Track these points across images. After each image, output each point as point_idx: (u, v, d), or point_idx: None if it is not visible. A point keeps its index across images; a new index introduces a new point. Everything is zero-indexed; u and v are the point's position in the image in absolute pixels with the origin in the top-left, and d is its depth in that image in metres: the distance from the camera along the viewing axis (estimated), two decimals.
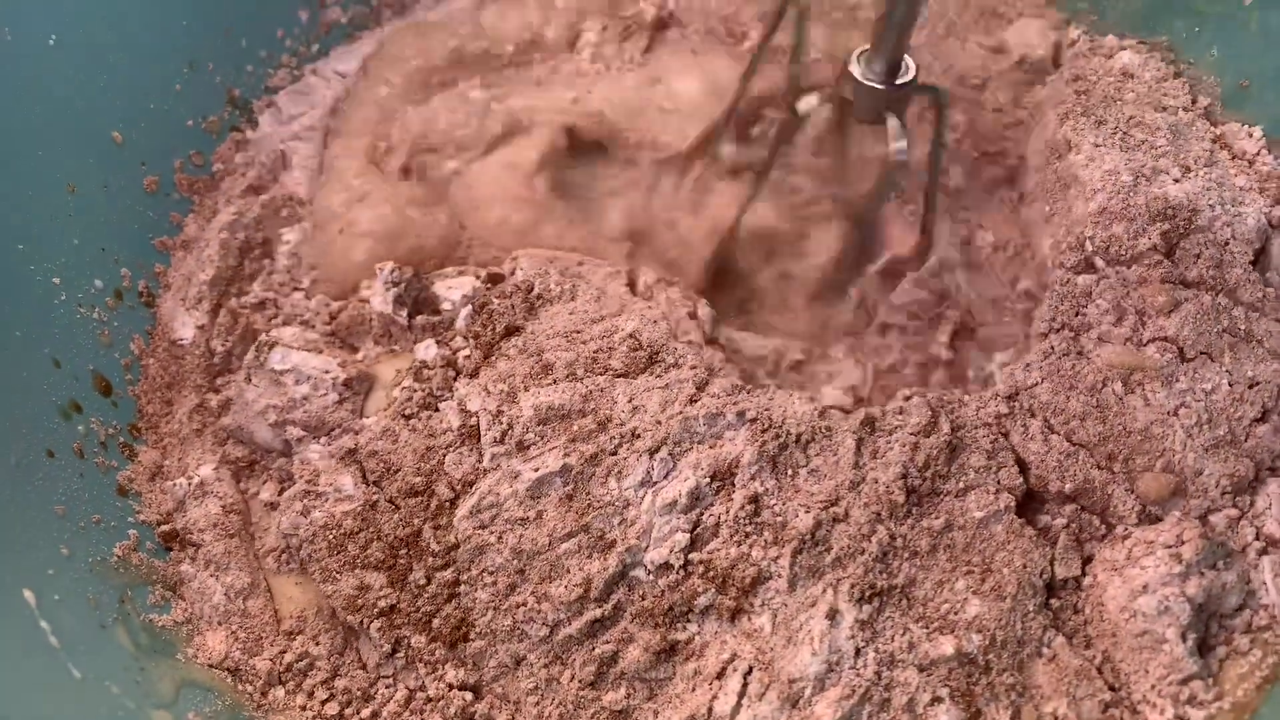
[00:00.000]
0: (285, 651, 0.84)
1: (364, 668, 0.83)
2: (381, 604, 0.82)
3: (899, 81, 0.88)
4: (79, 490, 0.86)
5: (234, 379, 0.97)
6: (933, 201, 0.99)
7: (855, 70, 0.89)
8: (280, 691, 0.83)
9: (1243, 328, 0.87)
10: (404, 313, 0.94)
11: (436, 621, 0.82)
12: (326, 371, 0.91)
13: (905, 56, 0.88)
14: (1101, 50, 1.08)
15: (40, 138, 0.93)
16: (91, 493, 0.87)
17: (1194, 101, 1.03)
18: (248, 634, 0.85)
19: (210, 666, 0.84)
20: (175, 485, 0.91)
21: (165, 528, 0.90)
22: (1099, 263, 0.92)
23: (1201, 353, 0.87)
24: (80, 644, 0.77)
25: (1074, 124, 0.99)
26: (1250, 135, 0.99)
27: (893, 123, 0.90)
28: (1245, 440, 0.84)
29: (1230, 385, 0.85)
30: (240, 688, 0.83)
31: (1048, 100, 1.07)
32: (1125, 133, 0.97)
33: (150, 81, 1.04)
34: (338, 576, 0.83)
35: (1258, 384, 0.86)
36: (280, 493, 0.90)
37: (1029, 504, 0.86)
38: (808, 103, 0.96)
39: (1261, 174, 0.97)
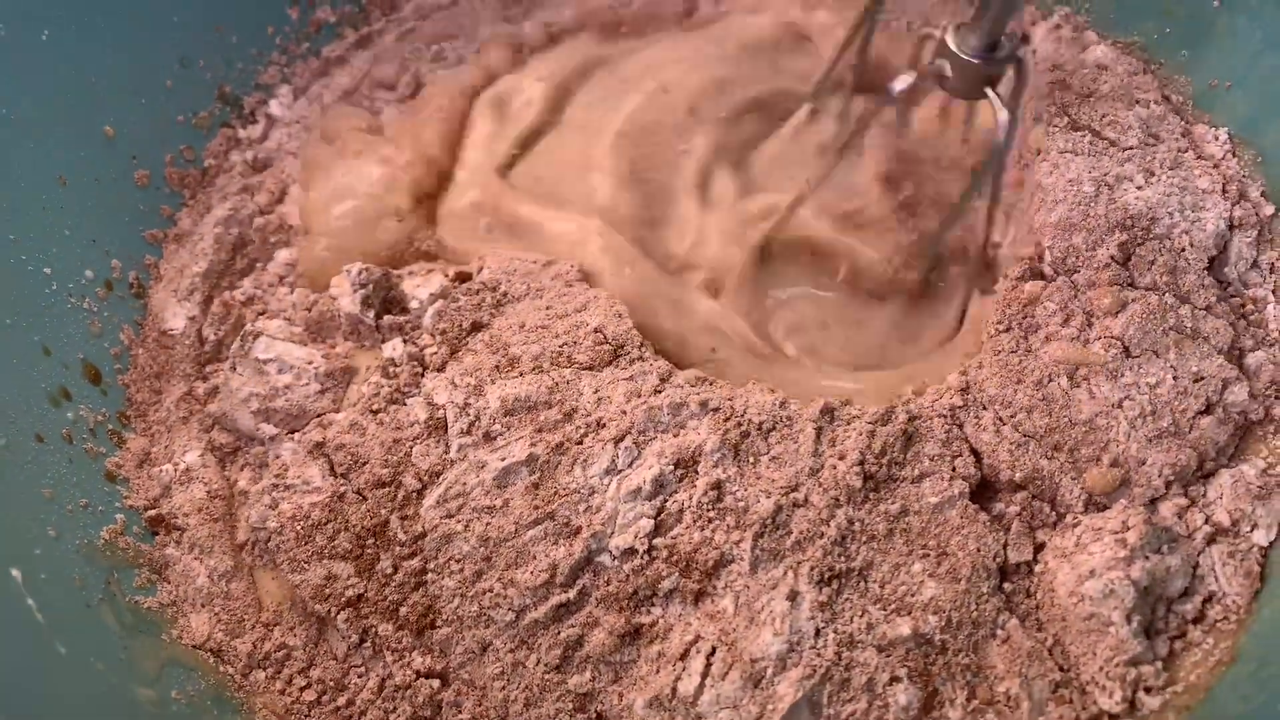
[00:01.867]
0: (264, 639, 0.85)
1: (335, 658, 0.84)
2: (349, 593, 0.83)
3: (998, 56, 0.86)
4: (67, 475, 0.88)
5: (222, 367, 0.98)
6: (999, 184, 0.97)
7: (951, 43, 0.86)
8: (261, 675, 0.84)
9: (1189, 325, 0.90)
10: (371, 313, 0.95)
11: (404, 609, 0.83)
12: (309, 362, 0.93)
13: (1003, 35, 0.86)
14: (1078, 42, 1.11)
15: (33, 131, 0.96)
16: (80, 477, 0.89)
17: (1165, 99, 1.05)
18: (230, 616, 0.87)
19: (194, 648, 0.85)
20: (162, 471, 0.92)
21: (151, 513, 0.91)
22: (1048, 271, 0.95)
23: (1147, 350, 0.89)
24: (66, 621, 0.78)
25: (1046, 125, 1.01)
26: (1216, 139, 1.02)
27: (993, 98, 0.87)
28: (1189, 431, 0.87)
29: (1175, 379, 0.88)
30: (223, 669, 0.84)
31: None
32: (1096, 133, 1.00)
33: (142, 77, 1.07)
34: (305, 566, 0.84)
35: (1203, 378, 0.88)
36: (255, 482, 0.90)
37: (982, 492, 0.89)
38: (904, 80, 0.93)
39: (1225, 176, 0.99)
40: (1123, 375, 0.88)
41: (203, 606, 0.87)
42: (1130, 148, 0.99)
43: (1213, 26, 1.03)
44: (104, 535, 0.87)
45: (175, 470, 0.92)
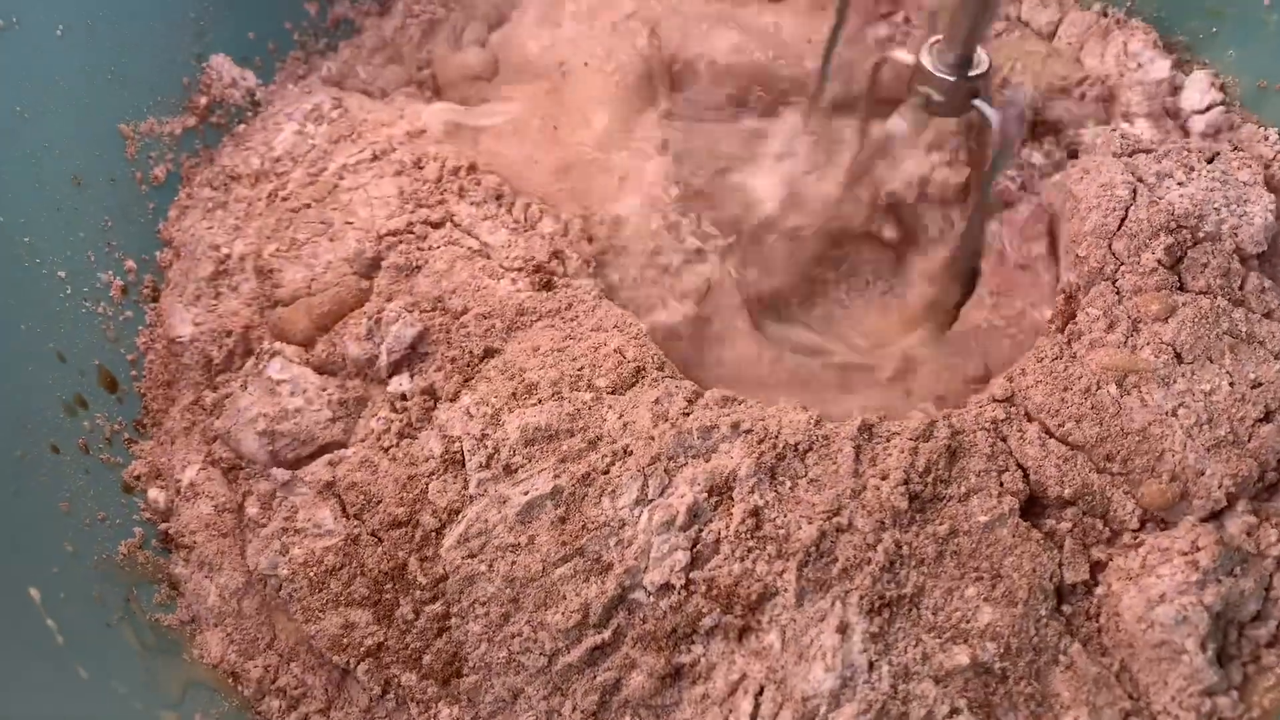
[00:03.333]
0: (281, 670, 0.81)
1: (358, 708, 0.79)
2: (368, 642, 0.78)
3: (973, 74, 0.86)
4: (84, 486, 0.85)
5: (234, 377, 0.93)
6: (982, 202, 0.95)
7: (929, 64, 0.86)
8: (275, 704, 0.80)
9: (1244, 329, 0.86)
10: (376, 352, 0.90)
11: (427, 658, 0.78)
12: (323, 389, 0.88)
13: (979, 50, 0.85)
14: (1114, 40, 1.08)
15: (47, 129, 0.92)
16: (96, 489, 0.86)
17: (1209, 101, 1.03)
18: (242, 635, 0.83)
19: (213, 667, 0.82)
20: (169, 484, 0.89)
21: (164, 526, 0.88)
22: (1087, 280, 0.91)
23: (1200, 355, 0.85)
24: (86, 643, 0.76)
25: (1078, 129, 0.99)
26: (1266, 139, 0.98)
27: (982, 106, 0.86)
28: (1249, 440, 0.83)
29: (1231, 386, 0.84)
30: (240, 689, 0.82)
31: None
32: (1125, 134, 0.97)
33: (157, 74, 1.03)
34: (320, 615, 0.79)
35: (1261, 385, 0.84)
36: (264, 510, 0.85)
37: (1031, 509, 0.84)
38: (896, 124, 0.94)
39: (1277, 176, 0.95)
40: (1175, 382, 0.84)
41: (215, 626, 0.84)
42: (1165, 144, 0.95)
43: (1263, 26, 1.00)
44: (122, 549, 0.85)
45: (179, 485, 0.89)
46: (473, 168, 1.00)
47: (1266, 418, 0.83)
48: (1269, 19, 0.99)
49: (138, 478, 0.89)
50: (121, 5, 0.99)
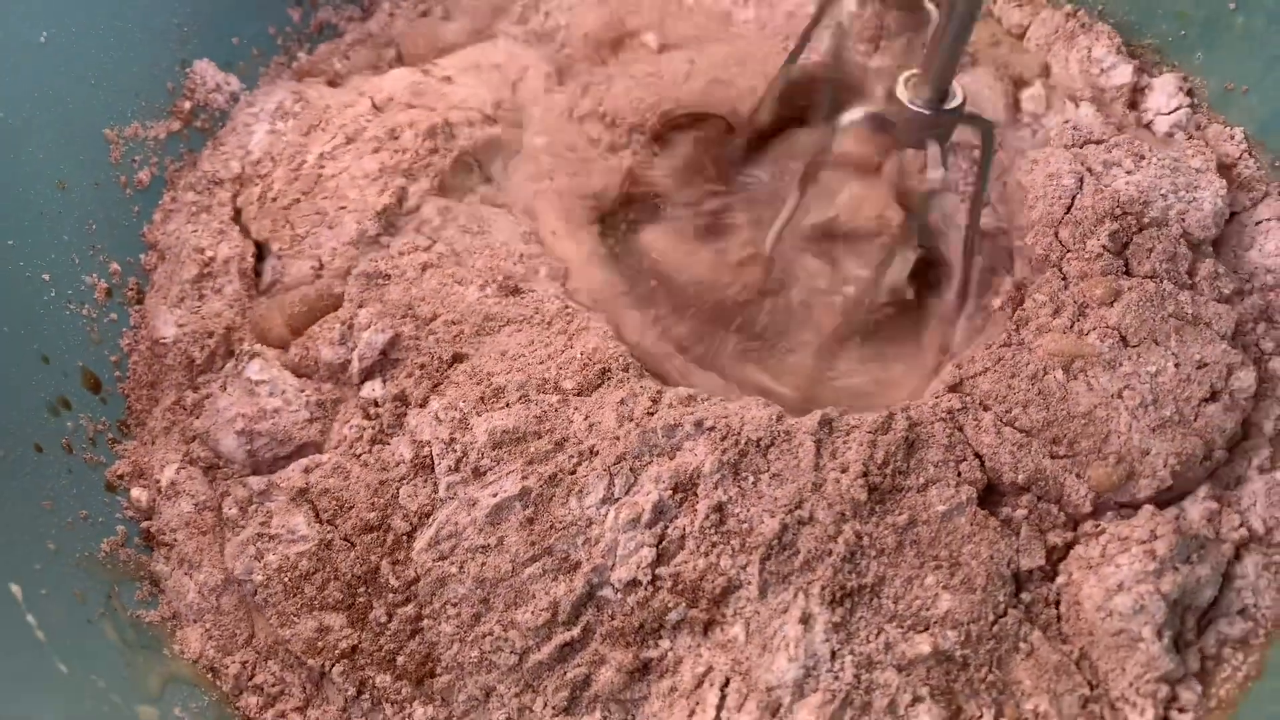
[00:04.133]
0: (258, 667, 0.82)
1: (334, 708, 0.80)
2: (343, 645, 0.80)
3: (946, 108, 0.84)
4: (67, 485, 0.86)
5: (215, 378, 0.94)
6: (972, 245, 0.93)
7: (901, 94, 0.84)
8: (253, 700, 0.82)
9: (1190, 311, 0.88)
10: (349, 357, 0.91)
11: (401, 659, 0.79)
12: (301, 390, 0.90)
13: (953, 83, 0.83)
14: (1079, 44, 1.09)
15: (31, 134, 0.93)
16: (79, 488, 0.87)
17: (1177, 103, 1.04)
18: (221, 632, 0.84)
19: (192, 662, 0.83)
20: (150, 483, 0.90)
21: (146, 524, 0.89)
22: (1035, 268, 0.92)
23: (1145, 338, 0.87)
24: (67, 638, 0.77)
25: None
26: (1232, 138, 1.00)
27: (932, 149, 0.85)
28: (1194, 420, 0.85)
29: (1177, 367, 0.86)
30: (218, 684, 0.83)
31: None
32: (1076, 125, 0.98)
33: (142, 79, 1.04)
34: (295, 620, 0.80)
35: (1206, 365, 0.86)
36: (241, 512, 0.87)
37: (989, 497, 0.86)
38: (853, 115, 0.90)
39: (1241, 176, 0.97)
40: (1121, 365, 0.86)
41: (194, 622, 0.85)
42: (1114, 137, 0.97)
43: (1229, 29, 1.01)
44: (104, 547, 0.86)
45: (161, 484, 0.90)
46: (446, 123, 1.03)
47: (1212, 397, 0.85)
48: (1235, 22, 1.00)
49: (121, 477, 0.91)
50: (105, 11, 1.00)
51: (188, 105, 1.08)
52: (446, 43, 1.18)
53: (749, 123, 1.05)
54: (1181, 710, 0.77)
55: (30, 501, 0.82)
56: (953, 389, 0.88)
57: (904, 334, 0.99)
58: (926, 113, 0.83)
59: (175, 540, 0.88)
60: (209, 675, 0.83)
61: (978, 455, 0.85)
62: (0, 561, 0.77)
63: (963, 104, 0.83)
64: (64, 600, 0.79)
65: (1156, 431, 0.83)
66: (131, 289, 1.00)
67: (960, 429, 0.86)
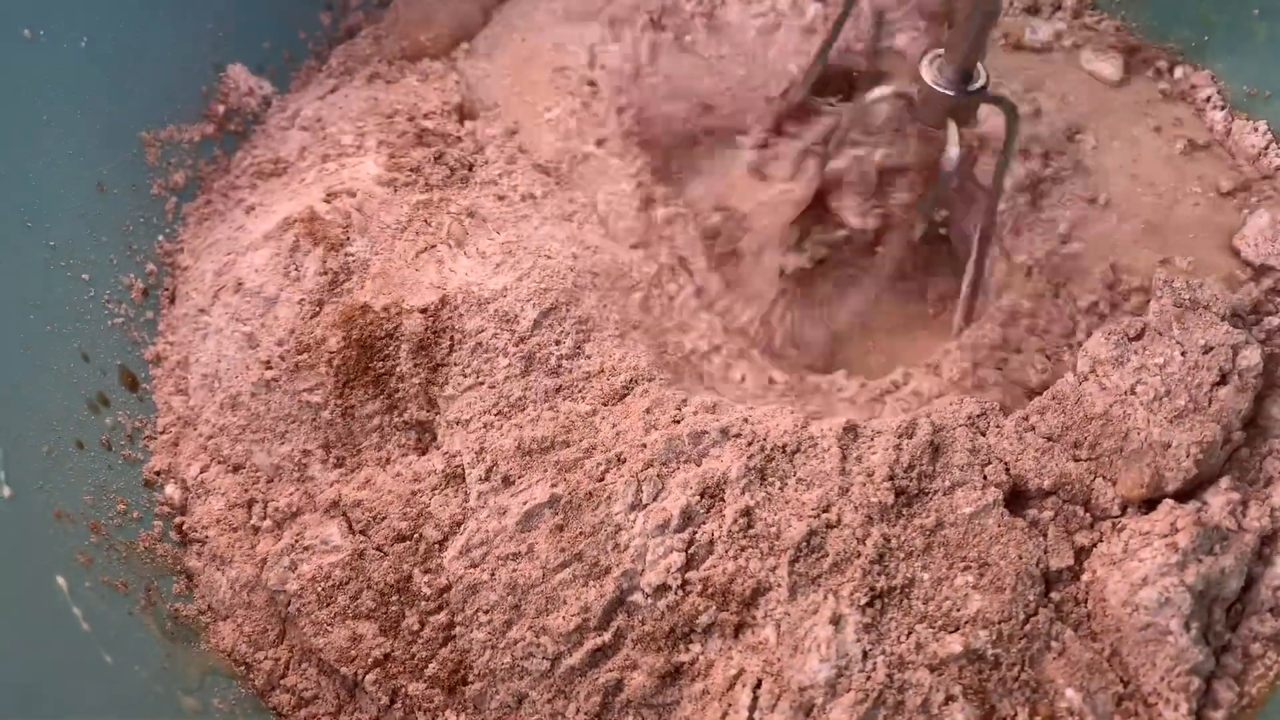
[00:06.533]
0: (291, 668, 0.83)
1: (368, 716, 0.81)
2: (375, 654, 0.80)
3: (970, 89, 0.85)
4: (107, 481, 0.88)
5: None
6: (990, 233, 0.93)
7: (925, 73, 0.86)
8: (286, 698, 0.82)
9: (1187, 297, 0.89)
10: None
11: (433, 666, 0.80)
12: None
13: (978, 64, 0.84)
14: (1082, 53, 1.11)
15: (72, 138, 0.96)
16: (119, 484, 0.89)
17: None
18: (252, 628, 0.85)
19: (226, 655, 0.85)
20: (180, 480, 0.92)
21: (180, 520, 0.91)
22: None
23: (1149, 330, 0.87)
24: (110, 629, 0.78)
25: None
26: (1256, 130, 1.01)
27: (951, 129, 0.86)
28: (1209, 405, 0.85)
29: (1184, 355, 0.86)
30: (251, 679, 0.84)
31: None
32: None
33: (177, 83, 1.08)
34: (329, 629, 0.81)
35: (1211, 349, 0.86)
36: (275, 526, 0.88)
37: (1015, 500, 0.86)
38: (880, 92, 0.93)
39: (1263, 170, 0.98)
40: (1129, 360, 0.86)
41: (227, 617, 0.86)
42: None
43: (1252, 36, 1.02)
44: (143, 542, 0.87)
45: (191, 480, 0.92)
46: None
47: (1222, 380, 0.85)
48: (1258, 28, 1.02)
49: (157, 473, 0.92)
50: (143, 17, 1.04)
51: (221, 109, 1.12)
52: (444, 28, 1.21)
53: (781, 104, 1.07)
54: (1217, 707, 0.77)
55: (74, 496, 0.84)
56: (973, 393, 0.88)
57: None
58: (950, 93, 0.84)
59: (207, 537, 0.89)
60: (243, 670, 0.84)
61: (1002, 460, 0.86)
62: (45, 555, 0.79)
63: (985, 84, 0.84)
64: (107, 593, 0.81)
65: (1174, 423, 0.84)
66: (167, 289, 1.03)
67: (983, 434, 0.87)
